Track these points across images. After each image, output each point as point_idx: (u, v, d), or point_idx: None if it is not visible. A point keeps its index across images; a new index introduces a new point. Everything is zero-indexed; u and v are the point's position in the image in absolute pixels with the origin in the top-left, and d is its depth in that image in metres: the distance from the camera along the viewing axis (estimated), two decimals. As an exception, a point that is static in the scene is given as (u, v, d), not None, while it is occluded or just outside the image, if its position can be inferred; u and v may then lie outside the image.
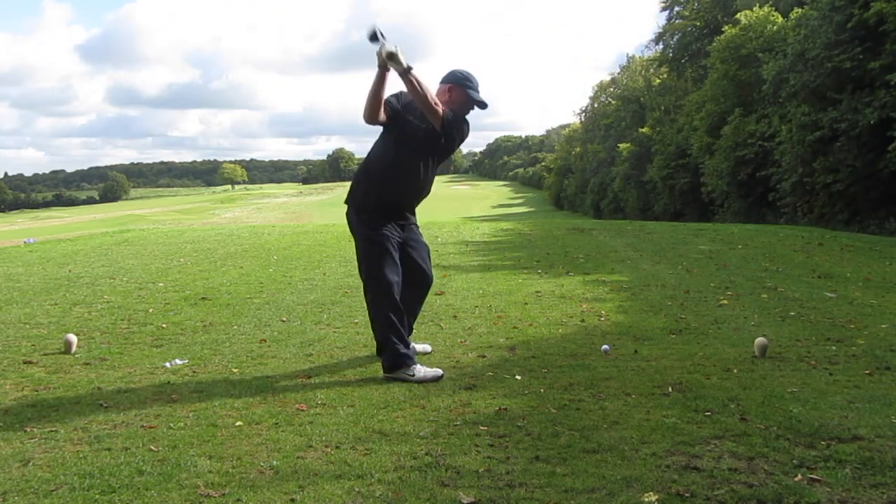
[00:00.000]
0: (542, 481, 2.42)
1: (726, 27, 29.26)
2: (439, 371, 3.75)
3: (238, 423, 3.02)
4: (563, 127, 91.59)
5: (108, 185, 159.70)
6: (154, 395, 3.46)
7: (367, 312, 3.97)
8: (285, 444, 2.78)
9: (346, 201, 3.96)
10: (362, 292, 4.01)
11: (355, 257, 3.99)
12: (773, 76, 22.03)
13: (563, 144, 78.31)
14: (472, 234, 11.32)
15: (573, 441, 2.79)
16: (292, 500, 2.30)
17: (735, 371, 3.82)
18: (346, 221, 4.00)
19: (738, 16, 28.83)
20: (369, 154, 4.01)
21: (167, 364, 4.02)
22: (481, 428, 2.95)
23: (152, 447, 2.74)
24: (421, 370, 3.70)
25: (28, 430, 2.97)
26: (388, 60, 3.55)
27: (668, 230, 12.12)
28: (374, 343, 4.32)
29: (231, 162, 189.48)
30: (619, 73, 56.79)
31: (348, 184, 4.05)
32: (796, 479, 2.41)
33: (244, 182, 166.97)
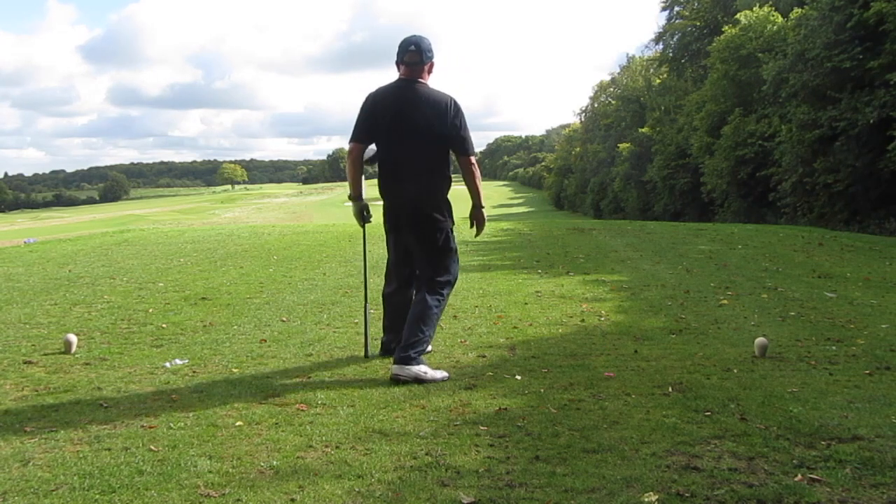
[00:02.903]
0: (542, 481, 2.42)
1: (726, 27, 29.28)
2: (446, 373, 3.74)
3: (238, 423, 3.02)
4: (563, 127, 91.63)
5: (108, 185, 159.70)
6: (154, 395, 3.46)
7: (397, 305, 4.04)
8: (285, 444, 2.78)
9: (450, 215, 3.96)
10: (377, 287, 4.09)
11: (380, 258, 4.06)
12: (773, 76, 22.04)
13: (563, 144, 78.33)
14: (472, 234, 11.31)
15: (573, 441, 2.79)
16: (292, 500, 2.30)
17: (735, 371, 3.82)
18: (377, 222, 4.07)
19: (738, 16, 28.85)
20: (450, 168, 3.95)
21: (167, 364, 4.01)
22: (481, 428, 2.95)
23: (152, 447, 2.74)
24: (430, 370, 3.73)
25: (28, 430, 2.96)
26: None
27: (668, 230, 12.12)
28: (375, 343, 4.31)
29: (231, 162, 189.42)
30: (619, 73, 56.85)
31: (348, 184, 4.03)
32: (796, 479, 2.41)
33: (244, 182, 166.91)
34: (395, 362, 3.69)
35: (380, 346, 4.20)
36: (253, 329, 4.94)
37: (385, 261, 4.22)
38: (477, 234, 4.24)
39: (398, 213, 3.92)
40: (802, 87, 20.10)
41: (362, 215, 4.03)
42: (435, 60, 3.88)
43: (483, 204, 4.08)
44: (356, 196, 4.00)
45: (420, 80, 3.84)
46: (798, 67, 20.26)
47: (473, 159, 3.91)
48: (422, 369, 3.65)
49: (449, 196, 3.95)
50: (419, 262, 3.95)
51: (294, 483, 2.42)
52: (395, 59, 3.88)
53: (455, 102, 3.84)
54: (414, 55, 3.80)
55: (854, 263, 8.43)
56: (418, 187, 3.84)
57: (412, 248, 3.95)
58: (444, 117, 3.80)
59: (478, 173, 3.96)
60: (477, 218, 4.12)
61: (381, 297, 4.20)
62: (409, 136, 3.80)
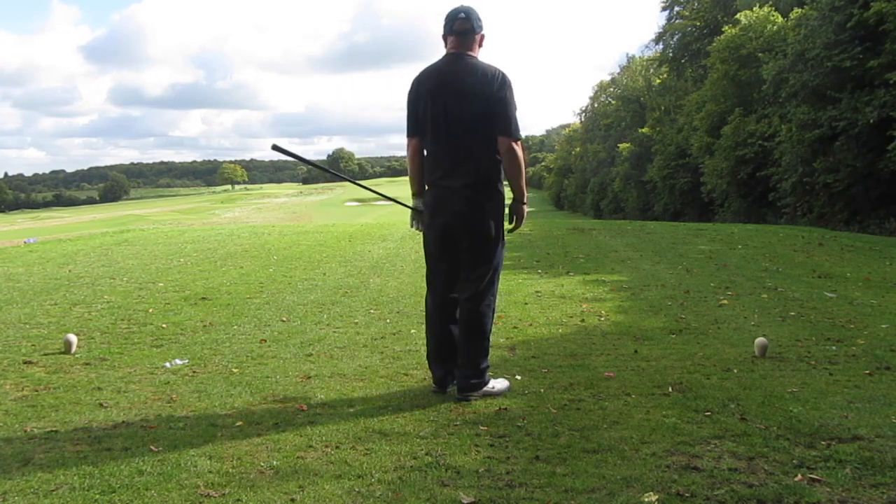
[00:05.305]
0: (542, 481, 2.42)
1: (726, 27, 29.27)
2: (507, 382, 3.55)
3: (238, 423, 3.02)
4: (563, 127, 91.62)
5: (108, 185, 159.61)
6: (154, 395, 3.46)
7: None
8: (285, 444, 2.78)
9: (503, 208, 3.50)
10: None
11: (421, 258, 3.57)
12: (773, 76, 22.03)
13: (563, 144, 78.37)
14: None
15: (573, 441, 2.79)
16: (292, 500, 2.30)
17: (735, 371, 3.82)
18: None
19: (738, 16, 28.84)
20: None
21: (167, 364, 4.02)
22: (481, 428, 2.95)
23: (152, 447, 2.74)
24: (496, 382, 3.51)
25: (28, 430, 2.97)
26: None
27: (668, 230, 12.12)
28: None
29: (231, 162, 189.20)
30: (619, 73, 56.86)
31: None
32: (796, 479, 2.41)
33: (244, 182, 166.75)
34: (459, 391, 3.40)
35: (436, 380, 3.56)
36: (253, 329, 4.94)
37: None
38: (512, 230, 3.61)
39: (443, 211, 3.42)
40: (802, 87, 20.09)
41: (415, 216, 3.61)
42: (485, 34, 3.44)
43: (525, 199, 3.50)
44: (414, 192, 3.58)
45: (470, 52, 3.38)
46: (798, 67, 20.25)
47: (516, 144, 3.33)
48: (488, 388, 3.42)
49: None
50: (465, 261, 3.46)
51: (294, 483, 2.42)
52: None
53: (504, 75, 3.33)
54: (464, 23, 3.34)
55: (854, 263, 8.43)
56: (467, 177, 3.34)
57: (460, 248, 3.45)
58: (489, 88, 3.28)
59: (521, 160, 3.37)
60: (517, 213, 3.52)
61: (425, 313, 3.63)
62: (456, 119, 3.32)
